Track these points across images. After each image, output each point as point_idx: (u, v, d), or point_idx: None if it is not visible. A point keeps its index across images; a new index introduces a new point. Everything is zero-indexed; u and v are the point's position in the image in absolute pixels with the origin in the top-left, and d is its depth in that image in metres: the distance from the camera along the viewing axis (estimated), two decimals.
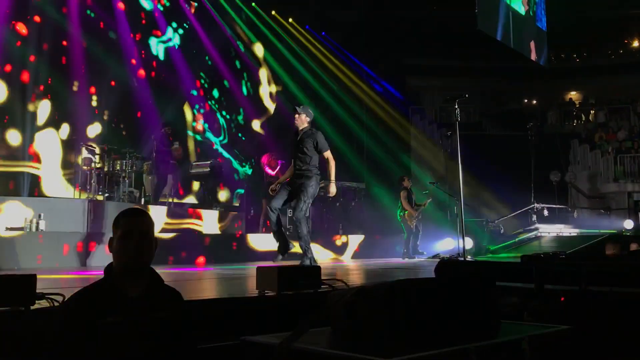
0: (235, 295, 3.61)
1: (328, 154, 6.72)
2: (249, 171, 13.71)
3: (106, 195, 9.41)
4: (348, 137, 15.53)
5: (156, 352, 2.17)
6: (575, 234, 13.67)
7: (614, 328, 3.31)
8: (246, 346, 2.48)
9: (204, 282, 5.50)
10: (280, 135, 13.71)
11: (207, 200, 11.51)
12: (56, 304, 2.80)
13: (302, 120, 6.75)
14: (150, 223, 2.28)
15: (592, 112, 23.35)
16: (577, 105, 24.15)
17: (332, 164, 6.72)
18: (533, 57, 20.89)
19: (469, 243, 10.32)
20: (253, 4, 14.23)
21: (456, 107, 5.62)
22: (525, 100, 24.89)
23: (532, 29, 20.65)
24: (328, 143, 6.71)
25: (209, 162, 11.52)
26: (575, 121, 23.02)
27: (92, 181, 9.34)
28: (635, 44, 25.38)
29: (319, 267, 3.77)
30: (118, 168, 9.64)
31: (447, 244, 11.51)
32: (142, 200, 10.06)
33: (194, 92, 13.07)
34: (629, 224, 14.47)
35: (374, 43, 15.96)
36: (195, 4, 12.88)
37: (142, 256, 2.17)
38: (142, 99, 11.52)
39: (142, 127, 11.39)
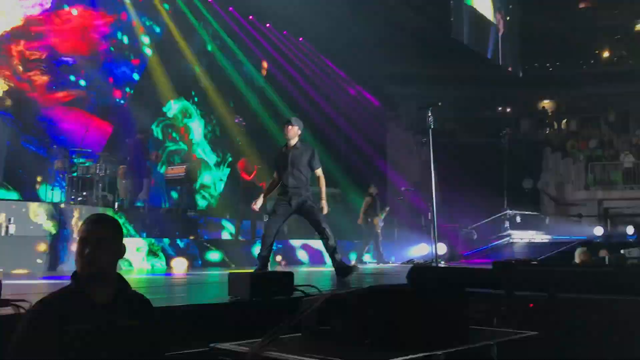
0: (206, 302, 3.58)
1: (320, 171, 6.34)
2: (225, 172, 13.63)
3: (79, 199, 9.28)
4: (324, 143, 15.56)
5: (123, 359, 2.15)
6: (547, 241, 13.87)
7: (581, 334, 3.37)
8: (216, 353, 2.47)
9: (175, 288, 5.45)
10: (258, 141, 13.68)
11: (183, 205, 11.42)
12: (22, 310, 2.75)
13: (295, 133, 6.20)
14: (109, 230, 2.23)
15: (564, 120, 23.75)
16: (550, 114, 24.55)
17: (324, 182, 6.39)
18: (506, 65, 21.24)
19: (442, 249, 10.42)
20: (230, 9, 14.20)
21: (429, 114, 5.66)
22: (500, 109, 25.21)
23: (506, 39, 20.99)
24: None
25: (184, 165, 11.44)
26: (547, 129, 23.38)
27: (65, 185, 9.21)
28: (606, 54, 25.92)
29: (291, 273, 3.76)
30: (91, 171, 9.53)
31: (421, 250, 11.61)
32: (116, 204, 9.95)
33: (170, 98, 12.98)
34: (598, 231, 14.73)
35: (350, 50, 16.03)
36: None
37: (95, 263, 2.14)
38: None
39: (116, 131, 11.28)
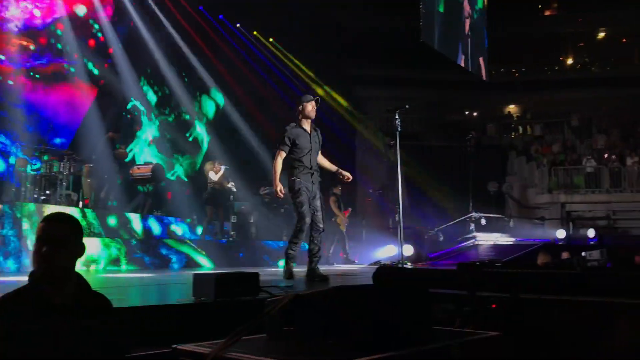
0: (169, 302, 3.54)
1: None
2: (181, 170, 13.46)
3: (42, 197, 9.08)
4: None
5: None
6: (511, 243, 14.09)
7: (543, 335, 3.43)
8: (178, 355, 2.43)
9: (139, 288, 5.36)
10: (224, 140, 13.60)
11: (148, 205, 11.26)
12: None
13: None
14: (67, 228, 2.19)
15: (528, 125, 24.21)
16: (515, 119, 25.01)
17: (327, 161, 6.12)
18: (474, 70, 21.54)
19: (409, 250, 10.49)
20: (200, 7, 14.09)
21: (397, 117, 5.70)
22: (466, 112, 25.58)
23: (474, 44, 21.29)
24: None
25: (150, 165, 11.28)
26: (512, 134, 23.80)
27: (27, 183, 8.99)
28: (570, 61, 26.54)
29: (257, 274, 3.74)
30: (56, 170, 9.33)
31: (388, 251, 11.67)
32: (80, 203, 9.76)
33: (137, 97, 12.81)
34: (561, 234, 15.04)
35: (321, 52, 16.07)
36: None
37: (52, 262, 2.10)
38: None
39: (82, 129, 11.08)
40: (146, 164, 11.57)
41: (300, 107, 5.86)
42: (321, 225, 5.73)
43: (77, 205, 9.46)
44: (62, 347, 2.05)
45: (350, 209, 12.47)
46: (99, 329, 2.17)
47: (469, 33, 20.65)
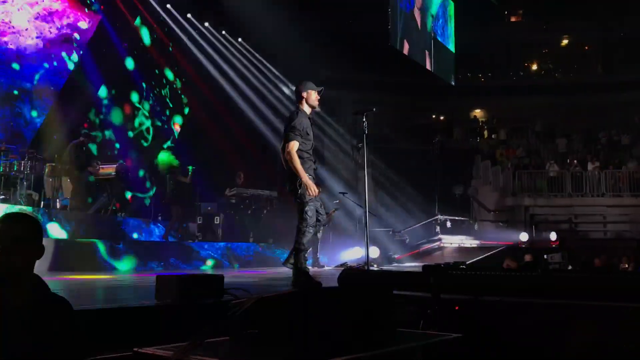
0: (131, 305, 3.48)
1: None
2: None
3: (1, 197, 8.85)
4: (260, 145, 15.52)
5: None
6: (475, 245, 14.31)
7: (505, 336, 3.48)
8: (139, 358, 2.40)
9: (100, 290, 5.27)
10: (194, 140, 13.46)
11: (112, 206, 11.07)
12: None
13: None
14: (24, 229, 2.13)
15: (494, 130, 24.63)
16: (481, 123, 25.40)
17: None
18: (441, 75, 21.82)
19: (375, 252, 10.55)
20: (168, 5, 13.93)
21: (364, 120, 5.70)
22: (434, 116, 25.88)
23: (440, 49, 21.57)
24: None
25: (115, 165, 11.10)
26: (478, 138, 24.16)
27: None
28: (534, 67, 27.10)
29: (221, 276, 3.71)
30: (16, 169, 9.10)
31: (355, 253, 11.70)
32: (42, 203, 9.54)
33: (103, 94, 12.58)
34: (524, 237, 15.31)
35: (289, 53, 16.04)
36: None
37: (7, 264, 2.04)
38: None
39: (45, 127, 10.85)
40: (111, 163, 11.36)
41: (304, 94, 5.32)
42: (323, 215, 5.41)
43: (38, 206, 9.26)
44: (18, 351, 1.99)
45: (335, 210, 12.10)
46: (57, 332, 2.12)
47: (435, 38, 20.92)
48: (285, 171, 5.28)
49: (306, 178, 5.10)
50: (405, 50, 19.41)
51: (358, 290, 3.01)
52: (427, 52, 20.63)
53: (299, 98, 5.38)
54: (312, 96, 5.34)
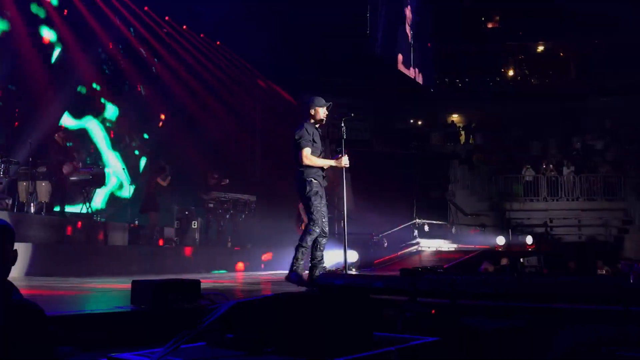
0: (105, 311, 3.44)
1: None
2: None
3: None
4: (239, 150, 15.47)
5: None
6: (453, 249, 14.41)
7: (481, 340, 3.51)
8: None
9: (74, 296, 5.20)
10: (170, 144, 13.34)
11: (86, 208, 10.92)
12: None
13: None
14: None
15: (471, 134, 24.84)
16: (458, 128, 25.61)
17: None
18: (420, 80, 22.01)
19: (354, 256, 10.55)
20: (146, 8, 13.81)
21: (342, 125, 5.73)
22: (412, 121, 26.02)
23: (419, 55, 21.76)
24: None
25: (90, 168, 10.97)
26: (456, 143, 24.35)
27: None
28: (511, 73, 27.42)
29: (198, 282, 3.68)
30: None
31: (334, 257, 11.69)
32: (15, 208, 9.37)
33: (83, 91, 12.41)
34: (501, 240, 15.47)
35: (270, 56, 16.02)
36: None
37: None
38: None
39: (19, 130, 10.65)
40: (86, 166, 11.21)
41: (312, 111, 5.67)
42: (327, 230, 5.60)
43: (11, 210, 9.10)
44: None
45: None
46: (28, 338, 2.09)
47: (412, 42, 21.10)
48: (295, 181, 5.63)
49: (328, 161, 5.66)
50: (383, 54, 19.55)
51: (335, 294, 3.01)
52: (405, 57, 20.79)
53: (306, 114, 5.71)
54: (319, 113, 5.67)
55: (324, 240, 5.59)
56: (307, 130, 5.55)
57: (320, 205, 5.46)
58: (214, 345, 2.63)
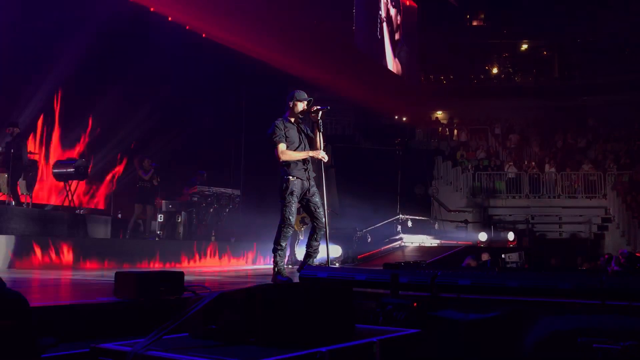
0: (89, 301, 3.44)
1: None
2: None
3: None
4: (226, 144, 15.42)
5: None
6: (436, 245, 14.51)
7: (459, 331, 3.56)
8: (96, 354, 2.37)
9: (57, 287, 5.18)
10: (155, 137, 13.23)
11: (71, 202, 10.86)
12: None
13: None
14: None
15: (455, 131, 25.03)
16: (443, 125, 25.78)
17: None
18: (404, 76, 22.08)
19: (337, 251, 10.61)
20: None
21: (319, 119, 5.72)
22: (396, 117, 26.13)
23: (404, 51, 21.83)
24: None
25: (73, 161, 10.89)
26: (439, 139, 24.53)
27: None
28: (495, 70, 27.64)
29: (181, 273, 3.69)
30: None
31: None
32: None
33: None
34: (483, 236, 15.61)
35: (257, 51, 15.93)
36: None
37: None
38: None
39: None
40: (69, 160, 11.14)
41: (291, 103, 5.67)
42: (323, 221, 5.61)
43: None
44: None
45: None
46: (12, 328, 2.09)
47: (398, 39, 21.16)
48: (278, 178, 5.65)
49: (305, 153, 5.59)
50: (368, 50, 19.59)
51: (317, 287, 3.04)
52: (390, 53, 20.85)
53: (285, 106, 5.73)
54: (298, 107, 5.65)
55: (320, 232, 5.65)
56: (278, 127, 5.57)
57: (293, 204, 5.49)
58: (196, 336, 2.65)
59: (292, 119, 5.70)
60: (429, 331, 3.31)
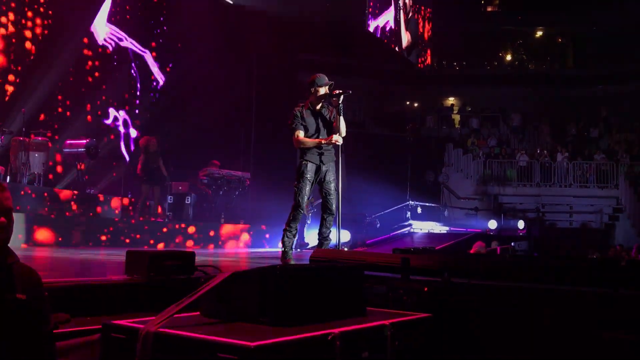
0: (100, 279, 3.45)
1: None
2: None
3: None
4: (236, 127, 15.38)
5: (7, 335, 2.03)
6: (445, 231, 14.50)
7: (472, 316, 3.55)
8: (109, 330, 2.39)
9: (69, 265, 5.22)
10: (167, 117, 13.21)
11: (82, 182, 10.89)
12: None
13: None
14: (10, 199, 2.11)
15: (467, 118, 24.85)
16: (454, 112, 25.60)
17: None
18: (415, 62, 21.94)
19: (347, 236, 10.62)
20: None
21: (340, 103, 5.70)
22: (407, 103, 25.98)
23: (416, 37, 21.66)
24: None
25: (85, 141, 10.89)
26: (450, 126, 24.37)
27: None
28: (508, 57, 27.37)
29: (192, 253, 3.69)
30: None
31: None
32: (8, 178, 9.34)
33: None
34: (493, 224, 15.56)
35: (267, 34, 15.81)
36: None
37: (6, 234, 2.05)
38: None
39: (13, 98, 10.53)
40: (80, 138, 11.14)
41: (312, 89, 5.68)
42: (333, 208, 5.66)
43: (4, 180, 9.07)
44: None
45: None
46: (26, 303, 2.10)
47: (410, 24, 21.00)
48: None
49: (316, 141, 5.61)
50: (381, 36, 19.45)
51: (330, 268, 3.04)
52: (403, 39, 20.70)
53: (308, 92, 5.74)
54: (320, 91, 5.66)
55: (330, 218, 5.72)
56: (296, 115, 5.66)
57: (305, 188, 5.57)
58: (208, 315, 2.65)
59: (313, 106, 5.70)
60: (440, 316, 3.30)
